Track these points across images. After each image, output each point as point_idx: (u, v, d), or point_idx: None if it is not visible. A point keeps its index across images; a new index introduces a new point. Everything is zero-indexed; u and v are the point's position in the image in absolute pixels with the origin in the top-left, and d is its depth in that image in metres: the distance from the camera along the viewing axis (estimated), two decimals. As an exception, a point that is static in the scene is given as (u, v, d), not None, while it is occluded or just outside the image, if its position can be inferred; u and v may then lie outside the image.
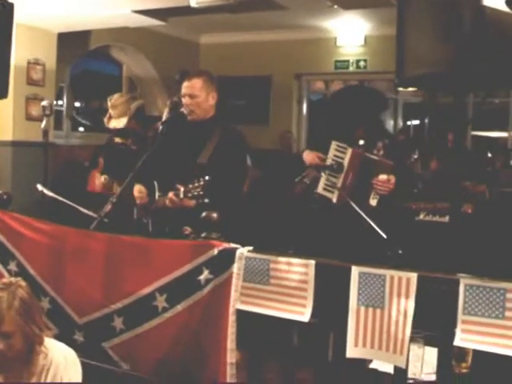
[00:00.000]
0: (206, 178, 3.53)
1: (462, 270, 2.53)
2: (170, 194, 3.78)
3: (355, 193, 3.92)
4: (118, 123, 5.42)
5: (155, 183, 4.02)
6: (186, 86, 4.02)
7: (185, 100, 4.00)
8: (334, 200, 4.01)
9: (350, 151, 4.04)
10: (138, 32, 8.26)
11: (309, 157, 4.21)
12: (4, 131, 7.00)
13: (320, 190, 4.09)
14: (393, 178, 3.93)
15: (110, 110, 5.49)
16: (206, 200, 3.53)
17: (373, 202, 3.95)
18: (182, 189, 3.64)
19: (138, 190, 4.04)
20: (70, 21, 6.88)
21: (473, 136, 8.91)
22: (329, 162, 4.07)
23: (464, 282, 2.40)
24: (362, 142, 4.09)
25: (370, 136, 4.15)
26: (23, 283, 2.62)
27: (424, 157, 7.09)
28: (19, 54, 6.60)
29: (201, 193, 3.53)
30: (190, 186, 3.59)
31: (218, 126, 4.05)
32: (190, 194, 3.59)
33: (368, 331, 2.58)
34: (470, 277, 2.43)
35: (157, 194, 3.99)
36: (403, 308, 2.50)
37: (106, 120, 5.59)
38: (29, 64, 7.08)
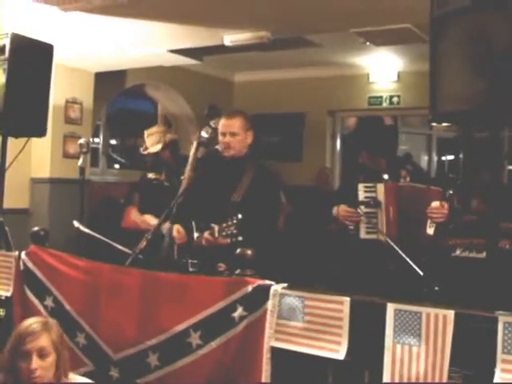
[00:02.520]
0: (239, 216, 3.59)
1: (501, 307, 2.48)
2: (206, 234, 3.83)
3: (406, 225, 3.88)
4: (153, 149, 5.48)
5: (193, 223, 4.05)
6: (225, 125, 4.04)
7: (225, 138, 4.03)
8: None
9: (381, 187, 4.01)
10: (172, 70, 8.38)
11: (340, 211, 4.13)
12: (42, 168, 7.13)
13: (363, 235, 4.03)
14: (445, 204, 3.87)
15: (146, 140, 5.56)
16: (240, 238, 3.57)
17: (430, 230, 3.89)
18: (217, 228, 3.71)
19: (177, 230, 4.05)
20: (107, 61, 7.03)
21: (509, 171, 8.80)
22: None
23: (503, 319, 2.35)
24: (386, 176, 4.06)
25: (391, 167, 4.14)
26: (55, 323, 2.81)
27: (460, 192, 6.98)
28: (58, 94, 6.74)
29: (234, 231, 3.60)
30: (224, 224, 3.66)
31: (251, 164, 4.09)
32: (224, 233, 3.65)
33: (404, 370, 2.53)
34: (509, 314, 2.38)
35: (195, 235, 4.01)
36: (440, 346, 2.46)
37: (141, 149, 5.65)
38: (67, 103, 7.22)
